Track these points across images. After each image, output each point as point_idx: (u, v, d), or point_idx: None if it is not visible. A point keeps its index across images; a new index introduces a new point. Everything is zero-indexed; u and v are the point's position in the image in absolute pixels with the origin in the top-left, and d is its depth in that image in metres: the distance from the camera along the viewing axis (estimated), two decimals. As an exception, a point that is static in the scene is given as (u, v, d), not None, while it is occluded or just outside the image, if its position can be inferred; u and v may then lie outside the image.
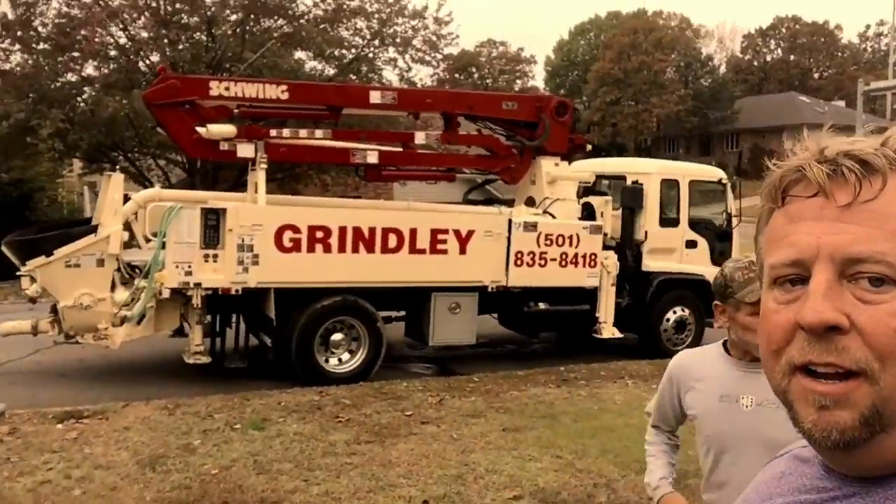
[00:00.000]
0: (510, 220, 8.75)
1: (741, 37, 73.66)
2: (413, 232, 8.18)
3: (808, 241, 0.72)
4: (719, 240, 10.04)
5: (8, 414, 6.41)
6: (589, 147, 10.48)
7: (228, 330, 8.38)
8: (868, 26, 75.92)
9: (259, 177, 8.13)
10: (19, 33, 15.81)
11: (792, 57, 70.14)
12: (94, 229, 7.78)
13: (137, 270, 7.82)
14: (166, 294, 7.39)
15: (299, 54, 18.82)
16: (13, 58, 16.32)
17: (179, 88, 8.14)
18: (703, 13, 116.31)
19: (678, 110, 53.32)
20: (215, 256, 7.40)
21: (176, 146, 10.05)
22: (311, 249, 7.74)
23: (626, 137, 57.25)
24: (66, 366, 8.51)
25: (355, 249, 7.94)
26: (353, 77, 18.49)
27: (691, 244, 9.85)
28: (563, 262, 8.91)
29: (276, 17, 17.65)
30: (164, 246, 7.38)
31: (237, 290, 7.51)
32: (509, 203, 10.31)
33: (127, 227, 8.01)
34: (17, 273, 7.64)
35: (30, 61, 16.28)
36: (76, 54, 16.39)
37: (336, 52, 18.59)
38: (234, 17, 17.53)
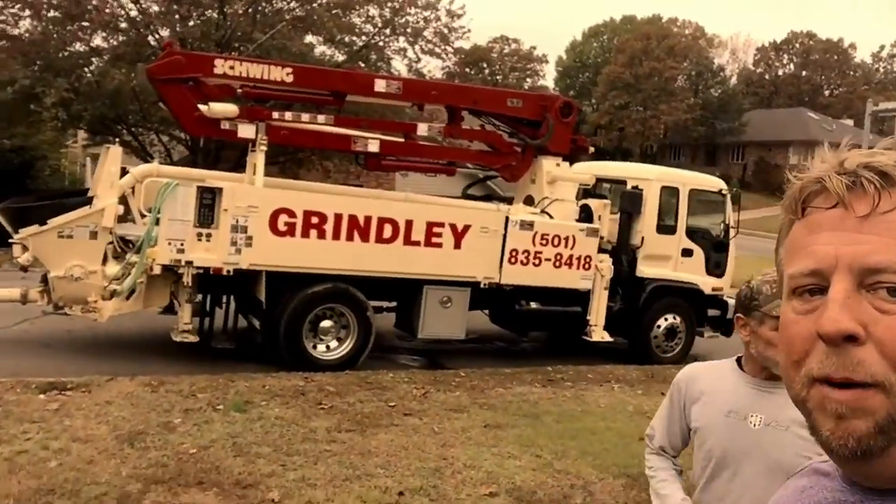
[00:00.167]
0: (507, 218, 8.72)
1: (754, 49, 73.55)
2: (409, 223, 8.16)
3: (827, 252, 0.73)
4: (715, 250, 10.02)
5: (-9, 381, 6.40)
6: (591, 149, 10.45)
7: (218, 310, 8.36)
8: (882, 47, 75.80)
9: (258, 158, 8.10)
10: (30, -1, 15.75)
11: (804, 73, 70.02)
12: (90, 201, 7.76)
13: (130, 245, 7.82)
14: (157, 270, 7.37)
15: (310, 38, 18.78)
16: (22, 23, 16.25)
17: (184, 64, 8.11)
18: (717, 23, 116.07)
19: (686, 118, 53.26)
20: (209, 236, 7.37)
21: (178, 123, 10.00)
22: (305, 234, 7.72)
23: (633, 143, 57.22)
24: (53, 336, 8.50)
25: (350, 237, 7.91)
26: (362, 65, 18.45)
27: (687, 253, 9.83)
28: (558, 263, 8.89)
29: (288, 0, 17.60)
30: (157, 222, 7.36)
31: (229, 271, 7.49)
32: (509, 200, 10.29)
33: (123, 201, 7.98)
34: (10, 240, 7.62)
35: (38, 28, 16.21)
36: (86, 24, 16.33)
37: (346, 39, 18.53)
38: (246, -3, 17.49)
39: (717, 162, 57.62)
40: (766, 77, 71.32)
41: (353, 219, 7.91)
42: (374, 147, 8.78)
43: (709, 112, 54.27)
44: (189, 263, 7.33)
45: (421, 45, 18.32)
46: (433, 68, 49.79)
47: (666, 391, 7.34)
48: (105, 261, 7.67)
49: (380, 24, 18.31)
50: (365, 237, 7.98)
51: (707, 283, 9.93)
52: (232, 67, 8.16)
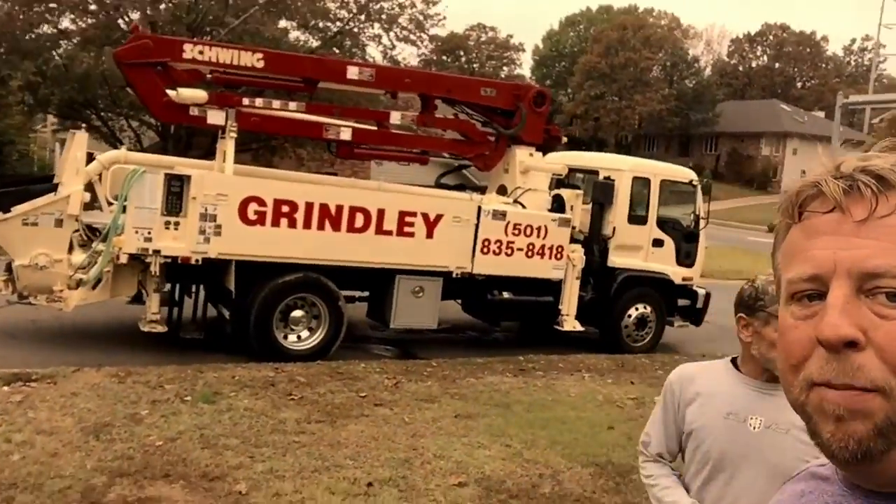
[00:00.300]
0: (480, 207, 8.71)
1: (729, 41, 74.19)
2: (381, 212, 8.11)
3: (825, 256, 0.72)
4: (686, 240, 10.11)
5: (-48, 371, 6.27)
6: (564, 139, 10.46)
7: (187, 300, 8.26)
8: (853, 40, 76.92)
9: (228, 145, 7.99)
10: (-7, -20, 15.39)
11: (777, 65, 70.80)
12: (55, 188, 7.61)
13: (97, 233, 7.68)
14: (124, 259, 7.24)
15: (284, 23, 18.57)
16: (-14, 5, 15.88)
17: (152, 49, 7.97)
18: (693, 14, 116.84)
19: (661, 109, 53.64)
20: (176, 224, 7.26)
21: (146, 108, 9.84)
22: (275, 223, 7.64)
23: (608, 133, 57.49)
24: (17, 327, 8.34)
25: (321, 226, 7.85)
26: (337, 51, 18.29)
27: (658, 243, 9.90)
28: (530, 253, 8.91)
29: (261, -16, 17.35)
30: (124, 210, 7.23)
31: (197, 260, 7.39)
32: (483, 190, 10.28)
33: (90, 188, 7.84)
34: (-28, 228, 7.45)
35: (4, 9, 15.84)
36: (53, 5, 15.99)
37: (321, 24, 18.35)
38: (218, -20, 17.22)
39: (691, 152, 58.16)
40: (740, 69, 71.99)
41: (324, 207, 7.84)
42: (346, 135, 8.71)
43: (683, 103, 54.71)
44: (156, 252, 7.22)
45: (396, 31, 18.22)
46: (408, 55, 49.53)
47: (636, 380, 7.41)
48: (71, 249, 7.53)
49: (354, 10, 18.15)
50: (336, 226, 7.92)
51: (677, 273, 10.02)
52: (201, 52, 8.03)
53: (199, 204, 7.29)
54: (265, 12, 16.90)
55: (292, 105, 8.61)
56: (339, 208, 7.92)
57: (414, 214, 8.31)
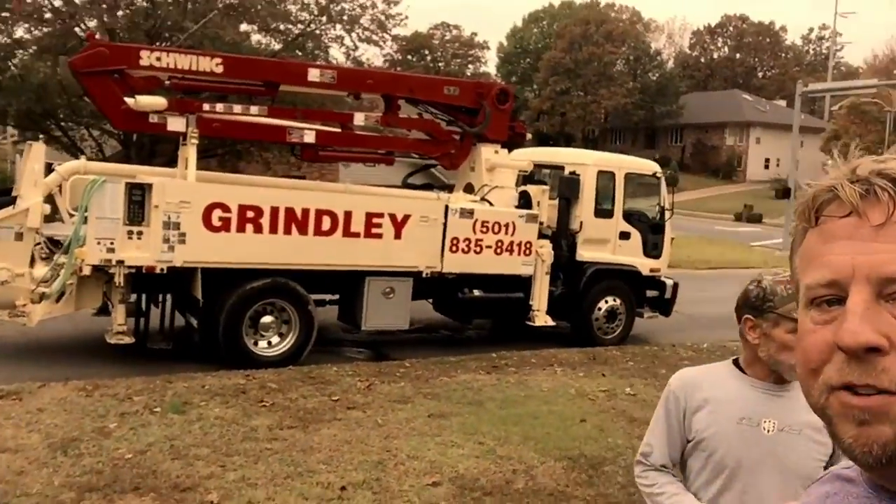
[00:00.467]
0: (447, 206, 8.72)
1: (690, 33, 75.14)
2: (348, 215, 8.08)
3: (842, 262, 0.72)
4: (652, 232, 10.22)
5: (-89, 392, 6.12)
6: (529, 136, 10.51)
7: (154, 310, 8.15)
8: (811, 29, 78.27)
9: (190, 152, 7.90)
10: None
11: (738, 55, 71.87)
12: (13, 201, 7.46)
13: (59, 245, 7.55)
14: (87, 271, 7.12)
15: (245, 27, 18.40)
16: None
17: (108, 56, 7.84)
18: (654, 8, 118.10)
19: (625, 103, 54.16)
20: (140, 233, 7.16)
21: (104, 116, 9.68)
22: (241, 229, 7.57)
23: (575, 127, 57.90)
24: (-20, 342, 8.17)
25: (287, 231, 7.79)
26: (300, 53, 18.16)
27: (625, 235, 10.00)
28: (499, 250, 8.94)
29: (219, -12, 17.18)
30: (85, 221, 7.12)
31: (162, 269, 7.29)
32: (451, 189, 10.29)
33: (50, 199, 7.70)
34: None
35: (-45, 20, 15.50)
36: (5, 14, 15.66)
37: (282, 27, 18.20)
38: (175, -15, 17.01)
39: (657, 144, 58.83)
40: (702, 60, 72.97)
41: (290, 211, 7.79)
42: (309, 138, 8.66)
43: (647, 96, 55.32)
44: (120, 263, 7.11)
45: (358, 32, 18.14)
46: (372, 56, 49.36)
47: (607, 372, 7.46)
48: (33, 263, 7.39)
49: (315, 12, 18.04)
50: (303, 230, 7.87)
51: (645, 265, 10.13)
52: (159, 59, 7.93)
53: (162, 212, 7.20)
54: (224, 16, 16.73)
55: (254, 109, 8.54)
56: (306, 212, 7.87)
57: (381, 215, 8.29)
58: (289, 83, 8.91)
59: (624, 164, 10.40)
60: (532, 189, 9.55)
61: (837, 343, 0.70)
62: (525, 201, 9.43)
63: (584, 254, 9.75)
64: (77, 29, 16.56)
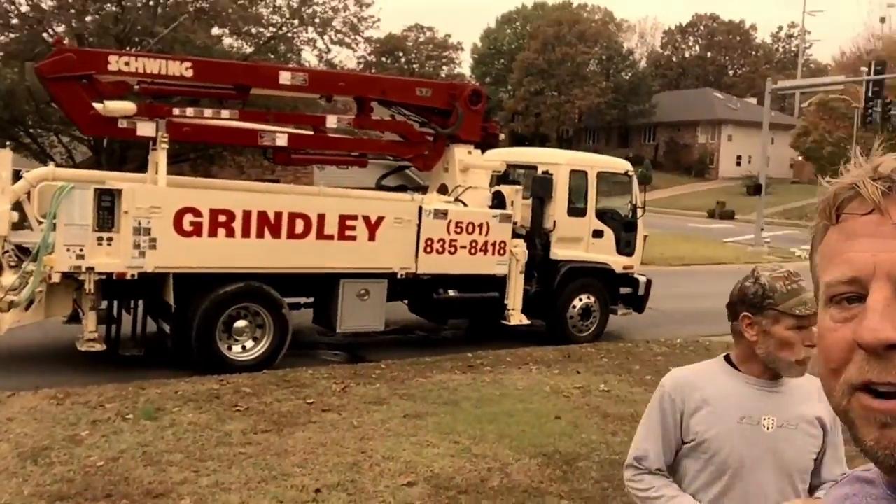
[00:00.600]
0: (421, 207, 8.74)
1: (662, 32, 75.88)
2: (321, 217, 8.07)
3: (864, 259, 0.71)
4: (625, 230, 10.32)
5: None
6: (502, 136, 10.56)
7: (125, 316, 8.07)
8: (780, 27, 79.38)
9: (160, 157, 7.85)
10: None
11: (709, 54, 72.69)
12: (-19, 209, 7.35)
13: (28, 253, 7.45)
14: (56, 278, 7.04)
15: (216, 30, 18.29)
16: None
17: (75, 62, 7.77)
18: (625, 8, 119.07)
19: (599, 102, 54.55)
20: (109, 240, 7.09)
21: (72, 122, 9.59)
22: (213, 234, 7.52)
23: (549, 128, 58.20)
24: (-53, 353, 8.04)
25: (260, 234, 7.76)
26: (272, 56, 18.09)
27: (598, 234, 10.09)
28: (473, 250, 8.98)
29: (189, -9, 17.06)
30: (54, 228, 7.04)
31: (133, 276, 7.23)
32: (426, 190, 10.31)
33: (18, 207, 7.60)
34: None
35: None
36: (-29, 21, 15.43)
37: (253, 30, 18.12)
38: (145, -11, 16.86)
39: (630, 143, 59.32)
40: (674, 59, 73.73)
41: (262, 215, 7.76)
42: (281, 141, 8.63)
43: (620, 95, 55.77)
44: (90, 269, 7.05)
45: (330, 35, 18.09)
46: (345, 58, 49.23)
47: (582, 369, 7.51)
48: (1, 271, 7.29)
49: (287, 15, 17.97)
50: (276, 233, 7.85)
51: (618, 263, 10.23)
52: (127, 63, 7.87)
53: (132, 218, 7.14)
54: (195, 20, 16.61)
55: (225, 113, 8.50)
56: (278, 215, 7.85)
57: (355, 217, 8.29)
58: (260, 86, 8.88)
59: (596, 163, 10.50)
60: (505, 189, 9.60)
61: (857, 341, 0.70)
62: (499, 201, 9.48)
63: (558, 252, 9.82)
64: (45, 34, 16.36)
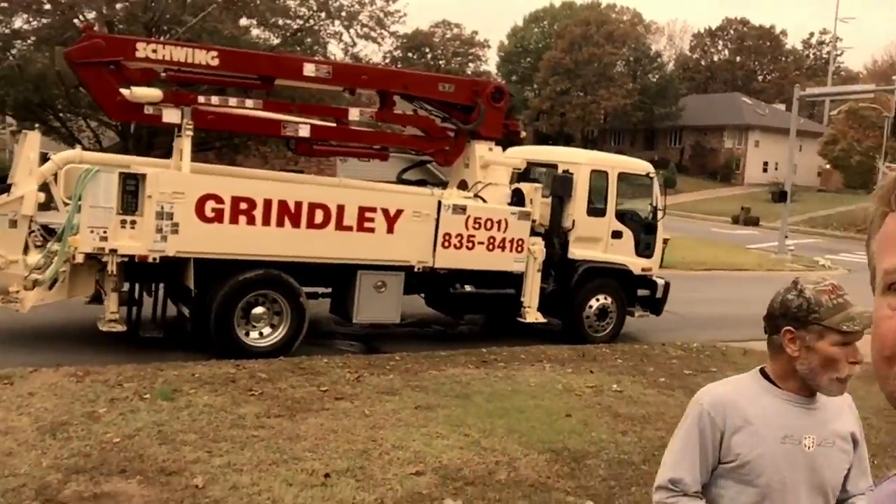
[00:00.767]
0: (440, 202, 8.78)
1: (691, 35, 75.18)
2: (340, 208, 8.14)
3: None
4: (644, 232, 10.29)
5: None
6: (523, 134, 10.57)
7: (146, 298, 8.21)
8: (812, 34, 78.25)
9: (184, 143, 7.96)
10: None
11: (738, 58, 71.92)
12: (8, 188, 7.52)
13: (53, 233, 7.61)
14: (80, 259, 7.19)
15: (244, 21, 18.46)
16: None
17: (104, 48, 7.90)
18: (655, 9, 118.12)
19: (625, 104, 54.17)
20: (133, 223, 7.22)
21: (100, 107, 9.74)
22: (234, 221, 7.63)
23: (574, 128, 57.93)
24: (-27, 329, 8.22)
25: (280, 223, 7.85)
26: (298, 48, 18.22)
27: (617, 234, 10.06)
28: (491, 246, 9.01)
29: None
30: (79, 209, 7.18)
31: (155, 259, 7.35)
32: (446, 185, 10.35)
33: (45, 188, 7.76)
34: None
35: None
36: (4, 5, 15.70)
37: (281, 22, 18.25)
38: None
39: (656, 146, 58.87)
40: (702, 63, 73.03)
41: (283, 204, 7.85)
42: (304, 132, 8.71)
43: (647, 97, 55.34)
44: (113, 251, 7.18)
45: (356, 28, 18.17)
46: (371, 52, 49.37)
47: (595, 369, 7.51)
48: (26, 250, 7.46)
49: (314, 7, 18.08)
50: (296, 223, 7.93)
51: (636, 264, 10.20)
52: (154, 51, 7.99)
53: (156, 202, 7.26)
54: (223, 10, 16.78)
55: (249, 102, 8.60)
56: (299, 204, 7.93)
57: (374, 210, 8.35)
58: (284, 77, 8.97)
59: (617, 163, 10.47)
60: (525, 187, 9.62)
61: None
62: (518, 199, 9.50)
63: (576, 252, 9.81)
64: (76, 20, 16.60)
